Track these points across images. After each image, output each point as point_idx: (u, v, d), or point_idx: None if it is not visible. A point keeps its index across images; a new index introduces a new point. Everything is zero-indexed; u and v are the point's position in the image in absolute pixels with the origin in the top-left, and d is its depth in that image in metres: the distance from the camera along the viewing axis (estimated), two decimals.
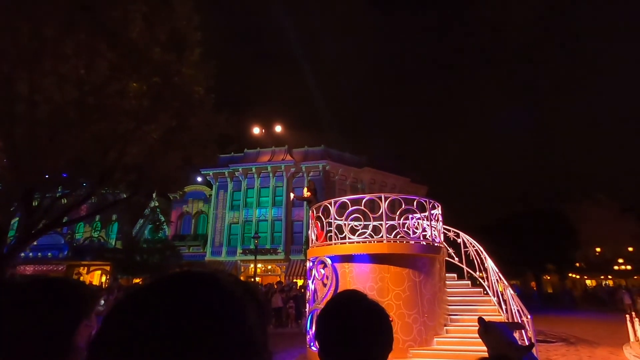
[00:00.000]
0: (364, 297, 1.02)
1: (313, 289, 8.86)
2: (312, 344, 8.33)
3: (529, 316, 7.24)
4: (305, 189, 10.51)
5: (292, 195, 11.69)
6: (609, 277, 39.21)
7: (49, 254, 26.62)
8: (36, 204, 10.08)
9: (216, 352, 0.39)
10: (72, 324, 0.86)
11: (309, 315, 8.87)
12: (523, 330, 7.19)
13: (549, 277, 38.84)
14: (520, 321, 7.30)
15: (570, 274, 38.50)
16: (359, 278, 7.97)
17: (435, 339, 7.77)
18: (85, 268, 27.53)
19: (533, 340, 7.07)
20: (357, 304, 1.00)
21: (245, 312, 0.44)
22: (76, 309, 0.89)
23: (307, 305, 9.49)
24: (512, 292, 8.03)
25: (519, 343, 1.77)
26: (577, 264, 38.35)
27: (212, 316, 0.41)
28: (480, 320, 1.85)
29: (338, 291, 7.95)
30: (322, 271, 8.53)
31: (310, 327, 8.56)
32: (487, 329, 1.77)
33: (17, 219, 11.15)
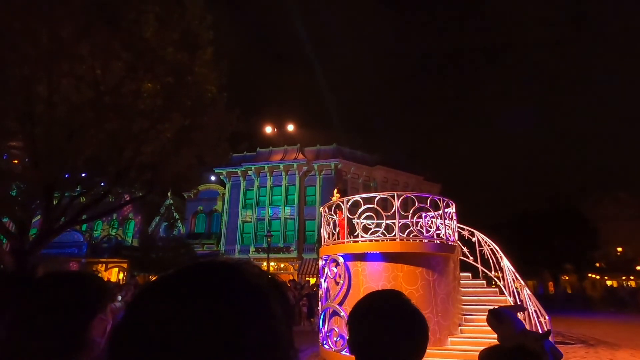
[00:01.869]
0: (402, 296, 0.97)
1: (326, 287, 8.85)
2: (324, 342, 8.32)
3: (546, 317, 7.08)
4: (335, 190, 10.32)
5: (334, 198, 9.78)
6: (631, 277, 37.96)
7: (69, 251, 27.39)
8: (55, 202, 10.37)
9: (239, 345, 0.37)
10: (87, 317, 0.87)
11: (321, 314, 8.87)
12: (539, 326, 7.02)
13: (567, 277, 37.88)
14: (537, 322, 7.13)
15: (589, 274, 37.43)
16: (372, 277, 7.92)
17: (449, 339, 7.66)
18: (103, 265, 28.24)
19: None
20: (396, 304, 0.95)
21: (270, 305, 0.42)
22: (92, 302, 0.89)
23: (320, 303, 9.49)
24: (529, 292, 7.85)
25: (525, 326, 1.71)
26: (597, 264, 37.25)
27: (236, 307, 0.39)
28: (491, 311, 1.78)
29: (351, 289, 7.95)
30: (335, 269, 8.51)
31: (323, 325, 8.56)
32: (501, 320, 1.70)
33: (38, 216, 11.50)
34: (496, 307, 1.86)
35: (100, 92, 9.10)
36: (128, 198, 13.20)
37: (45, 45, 8.27)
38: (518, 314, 1.86)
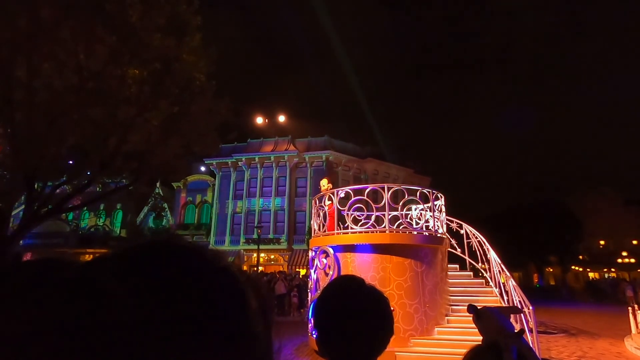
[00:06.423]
0: (362, 281, 0.96)
1: (315, 278, 8.85)
2: (313, 332, 8.35)
3: (530, 307, 7.18)
4: (326, 181, 9.76)
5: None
6: (612, 270, 39.09)
7: (55, 241, 26.86)
8: (39, 191, 10.08)
9: (204, 337, 0.29)
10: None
11: (311, 304, 8.88)
12: (522, 317, 7.13)
13: (551, 269, 38.80)
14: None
15: (572, 267, 38.41)
16: (361, 268, 7.93)
17: (436, 329, 7.76)
18: (91, 256, 27.74)
19: (534, 331, 7.03)
20: (355, 289, 0.94)
21: (245, 296, 0.35)
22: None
23: (310, 294, 9.50)
24: (514, 283, 7.96)
25: (514, 328, 1.69)
26: (580, 257, 38.22)
27: (204, 292, 0.32)
28: (470, 307, 1.78)
29: None
30: (325, 261, 8.50)
31: (312, 316, 8.58)
32: (479, 316, 1.69)
33: (23, 206, 11.19)
34: (484, 305, 1.86)
35: (83, 78, 8.79)
36: (114, 187, 12.93)
37: (23, 27, 7.92)
38: (511, 315, 1.86)
